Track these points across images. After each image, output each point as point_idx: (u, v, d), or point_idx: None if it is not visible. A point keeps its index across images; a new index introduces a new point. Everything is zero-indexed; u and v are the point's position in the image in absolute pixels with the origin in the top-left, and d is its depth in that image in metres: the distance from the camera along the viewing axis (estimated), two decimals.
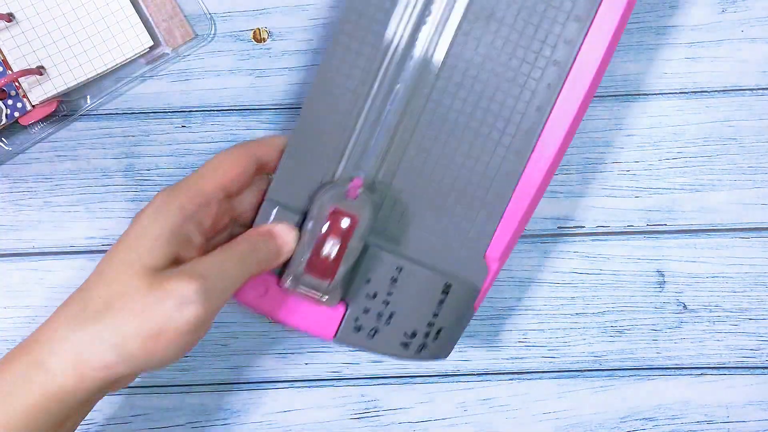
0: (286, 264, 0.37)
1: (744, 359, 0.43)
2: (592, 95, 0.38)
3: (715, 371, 0.43)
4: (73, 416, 0.33)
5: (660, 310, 0.44)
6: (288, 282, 0.37)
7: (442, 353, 0.39)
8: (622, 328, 0.44)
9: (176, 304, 0.31)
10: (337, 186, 0.37)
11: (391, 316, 0.38)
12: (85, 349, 0.31)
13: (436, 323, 0.38)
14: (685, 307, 0.44)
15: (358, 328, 0.38)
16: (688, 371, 0.43)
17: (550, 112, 0.38)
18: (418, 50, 0.38)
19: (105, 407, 0.43)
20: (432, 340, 0.39)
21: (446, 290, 0.38)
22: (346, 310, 0.38)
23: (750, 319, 0.43)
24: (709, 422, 0.43)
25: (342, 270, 0.36)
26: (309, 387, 0.44)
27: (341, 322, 0.38)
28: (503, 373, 0.44)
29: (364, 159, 0.38)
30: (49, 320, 0.33)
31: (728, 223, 0.44)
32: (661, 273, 0.44)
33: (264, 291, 0.38)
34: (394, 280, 0.38)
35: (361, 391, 0.44)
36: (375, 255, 0.37)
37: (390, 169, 0.39)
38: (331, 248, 0.36)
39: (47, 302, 0.44)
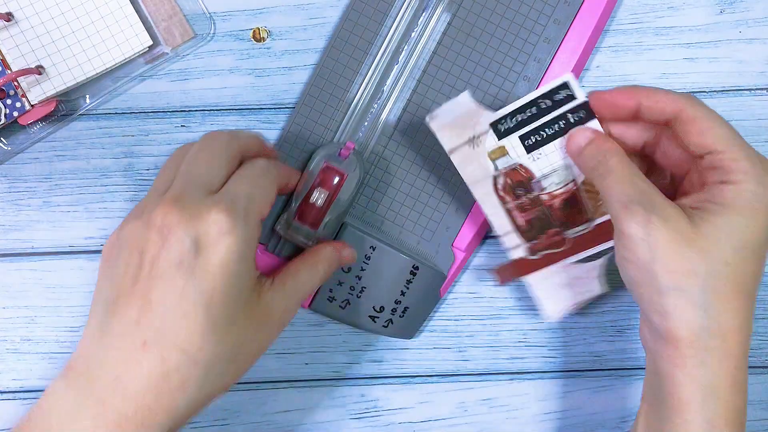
0: (273, 229, 0.41)
1: None
2: None
3: None
4: None
5: None
6: (280, 226, 0.41)
7: (408, 332, 0.43)
8: (623, 328, 0.44)
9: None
10: (332, 146, 0.41)
11: (362, 291, 0.42)
12: None
13: (403, 302, 0.42)
14: None
15: (332, 299, 0.42)
16: None
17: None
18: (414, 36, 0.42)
19: None
20: (398, 317, 0.42)
21: (414, 272, 0.41)
22: None
23: None
24: None
25: (329, 221, 0.40)
26: (309, 387, 0.44)
27: (317, 292, 0.42)
28: (503, 373, 0.44)
29: (359, 129, 0.43)
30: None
31: None
32: None
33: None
34: (367, 258, 0.41)
35: (361, 391, 0.44)
36: (351, 233, 0.41)
37: (378, 150, 0.43)
38: (318, 198, 0.40)
39: (47, 302, 0.44)
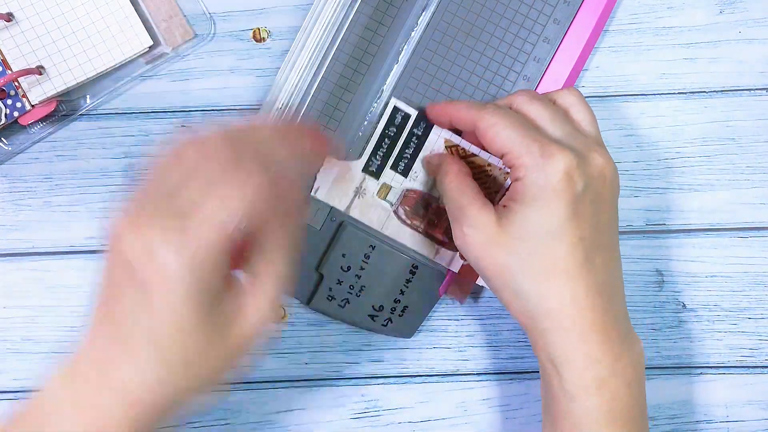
0: None
1: (743, 358, 0.43)
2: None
3: (714, 370, 0.44)
4: None
5: (659, 309, 0.44)
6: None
7: (407, 331, 0.43)
8: None
9: None
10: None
11: (361, 290, 0.42)
12: None
13: (402, 301, 0.42)
14: (684, 306, 0.44)
15: (331, 298, 0.42)
16: (688, 370, 0.44)
17: None
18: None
19: None
20: (398, 316, 0.42)
21: (413, 271, 0.42)
22: (321, 280, 0.42)
23: (749, 318, 0.44)
24: (708, 421, 0.43)
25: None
26: (309, 387, 0.44)
27: (316, 291, 0.42)
28: (503, 373, 0.44)
29: (358, 131, 0.41)
30: None
31: (727, 222, 0.44)
32: (660, 272, 0.44)
33: None
34: (367, 257, 0.42)
35: (361, 391, 0.44)
36: (352, 233, 0.41)
37: None
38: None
39: (47, 302, 0.44)
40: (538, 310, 0.34)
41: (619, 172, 0.43)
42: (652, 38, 0.44)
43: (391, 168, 0.41)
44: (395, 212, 0.42)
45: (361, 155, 0.41)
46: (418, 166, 0.41)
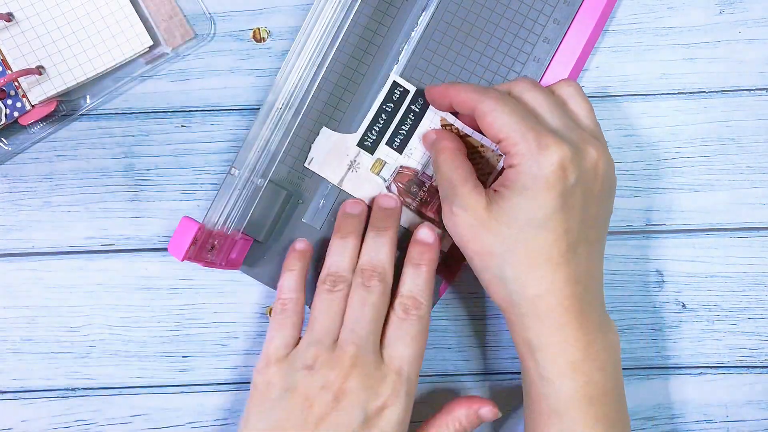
0: None
1: (743, 358, 0.43)
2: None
3: (714, 370, 0.44)
4: None
5: (659, 309, 0.44)
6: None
7: None
8: (622, 327, 0.44)
9: None
10: None
11: None
12: None
13: None
14: (684, 306, 0.44)
15: None
16: (688, 370, 0.44)
17: None
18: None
19: (105, 407, 0.43)
20: None
21: None
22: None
23: (749, 318, 0.44)
24: (708, 421, 0.43)
25: None
26: None
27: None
28: (503, 373, 0.44)
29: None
30: None
31: (727, 222, 0.44)
32: (660, 272, 0.44)
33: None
34: None
35: None
36: None
37: None
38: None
39: (47, 302, 0.44)
40: (518, 296, 0.35)
41: (619, 172, 0.44)
42: (652, 38, 0.44)
43: (387, 144, 0.42)
44: (388, 188, 0.42)
45: (357, 129, 0.42)
46: (413, 143, 0.42)
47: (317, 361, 0.37)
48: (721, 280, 0.44)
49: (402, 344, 0.38)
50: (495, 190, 0.36)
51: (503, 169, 0.37)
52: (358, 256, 0.40)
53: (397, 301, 0.39)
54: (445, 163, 0.38)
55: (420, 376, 0.43)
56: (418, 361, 0.38)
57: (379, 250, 0.39)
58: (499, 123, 0.35)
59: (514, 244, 0.35)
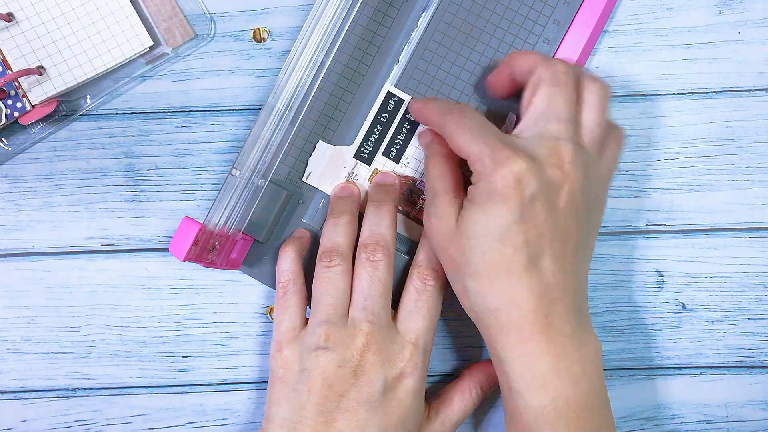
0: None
1: (743, 359, 0.44)
2: None
3: (714, 371, 0.44)
4: None
5: (659, 309, 0.44)
6: None
7: None
8: (622, 328, 0.44)
9: None
10: None
11: None
12: None
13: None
14: (683, 306, 0.44)
15: None
16: (687, 371, 0.44)
17: None
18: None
19: (105, 407, 0.43)
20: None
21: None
22: None
23: (749, 318, 0.44)
24: (708, 422, 0.43)
25: None
26: None
27: None
28: None
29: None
30: None
31: (727, 222, 0.44)
32: (660, 273, 0.44)
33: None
34: None
35: None
36: None
37: None
38: None
39: (47, 302, 0.44)
40: (480, 308, 0.35)
41: (619, 172, 0.44)
42: (652, 38, 0.44)
43: (383, 154, 0.42)
44: None
45: (353, 141, 0.42)
46: (410, 153, 0.42)
47: (330, 340, 0.37)
48: (721, 280, 0.44)
49: (419, 316, 0.39)
50: (468, 202, 0.36)
51: None
52: (355, 236, 0.40)
53: (415, 272, 0.39)
54: (433, 169, 0.38)
55: None
56: (433, 332, 0.39)
57: (380, 222, 0.40)
58: (461, 142, 0.36)
59: (473, 257, 0.35)
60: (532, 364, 0.34)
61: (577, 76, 0.37)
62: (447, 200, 0.37)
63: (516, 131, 0.37)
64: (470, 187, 0.36)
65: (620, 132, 0.39)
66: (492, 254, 0.34)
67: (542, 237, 0.34)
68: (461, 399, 0.41)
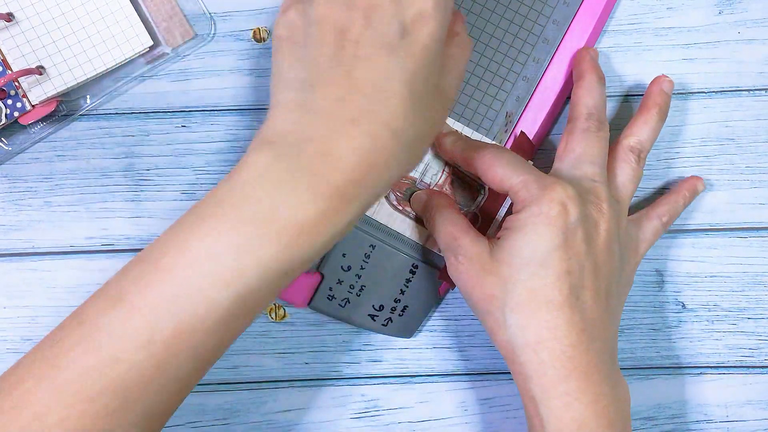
0: None
1: (743, 358, 0.44)
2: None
3: (714, 370, 0.44)
4: None
5: (659, 309, 0.44)
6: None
7: (407, 331, 0.43)
8: (621, 327, 0.44)
9: None
10: None
11: (362, 289, 0.42)
12: None
13: (402, 300, 0.42)
14: (683, 306, 0.44)
15: (331, 297, 0.42)
16: (687, 370, 0.44)
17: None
18: None
19: None
20: (398, 315, 0.42)
21: (413, 271, 0.42)
22: (322, 280, 0.42)
23: (749, 318, 0.44)
24: (708, 421, 0.43)
25: None
26: (309, 387, 0.44)
27: (316, 290, 0.42)
28: (503, 373, 0.44)
29: None
30: None
31: (726, 222, 0.44)
32: (659, 272, 0.44)
33: None
34: (367, 256, 0.42)
35: (361, 390, 0.44)
36: (352, 233, 0.41)
37: None
38: None
39: (47, 302, 0.44)
40: (518, 341, 0.35)
41: None
42: (651, 38, 0.44)
43: None
44: (387, 198, 0.42)
45: None
46: None
47: None
48: (721, 280, 0.44)
49: None
50: (498, 238, 0.36)
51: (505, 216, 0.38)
52: None
53: None
54: (443, 219, 0.38)
55: (419, 376, 0.43)
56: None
57: None
58: (502, 173, 0.36)
59: (514, 285, 0.34)
60: (571, 404, 0.34)
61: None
62: (471, 239, 0.37)
63: (551, 172, 0.38)
64: (509, 218, 0.36)
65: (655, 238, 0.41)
66: (534, 282, 0.34)
67: (583, 269, 0.34)
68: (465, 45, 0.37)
